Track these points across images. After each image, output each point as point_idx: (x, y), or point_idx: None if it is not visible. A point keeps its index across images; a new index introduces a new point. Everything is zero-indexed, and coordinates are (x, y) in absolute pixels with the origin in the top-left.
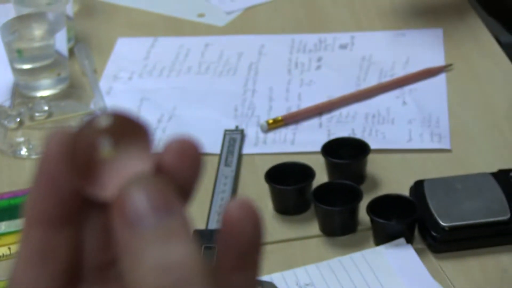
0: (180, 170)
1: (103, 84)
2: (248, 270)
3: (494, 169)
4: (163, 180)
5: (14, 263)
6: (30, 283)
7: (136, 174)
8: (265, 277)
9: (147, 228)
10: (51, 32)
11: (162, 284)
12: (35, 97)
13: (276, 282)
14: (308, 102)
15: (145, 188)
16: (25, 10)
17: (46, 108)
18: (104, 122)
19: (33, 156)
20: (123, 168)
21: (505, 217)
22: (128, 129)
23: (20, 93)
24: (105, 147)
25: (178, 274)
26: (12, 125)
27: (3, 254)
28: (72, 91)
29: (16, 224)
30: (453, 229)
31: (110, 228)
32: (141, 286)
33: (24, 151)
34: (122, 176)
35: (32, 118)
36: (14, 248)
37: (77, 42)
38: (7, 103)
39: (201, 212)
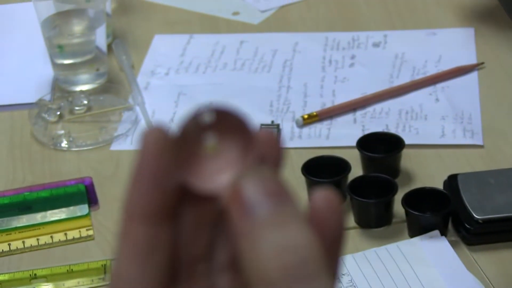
0: (269, 161)
1: (141, 79)
2: (333, 260)
3: None
4: (271, 169)
5: (116, 259)
6: (135, 278)
7: (246, 166)
8: None
9: (264, 214)
10: (91, 28)
11: (284, 263)
12: (74, 91)
13: None
14: (342, 98)
15: (258, 177)
16: (66, 7)
17: (85, 102)
18: (207, 117)
19: (73, 149)
20: (228, 161)
21: None
22: (230, 123)
23: (60, 88)
24: (209, 142)
25: (299, 254)
26: (53, 118)
27: (59, 240)
28: (110, 85)
29: (61, 212)
30: (486, 221)
31: (203, 222)
32: (262, 267)
33: (64, 144)
34: (229, 169)
35: (71, 111)
36: (58, 236)
37: (115, 38)
38: (47, 97)
39: None
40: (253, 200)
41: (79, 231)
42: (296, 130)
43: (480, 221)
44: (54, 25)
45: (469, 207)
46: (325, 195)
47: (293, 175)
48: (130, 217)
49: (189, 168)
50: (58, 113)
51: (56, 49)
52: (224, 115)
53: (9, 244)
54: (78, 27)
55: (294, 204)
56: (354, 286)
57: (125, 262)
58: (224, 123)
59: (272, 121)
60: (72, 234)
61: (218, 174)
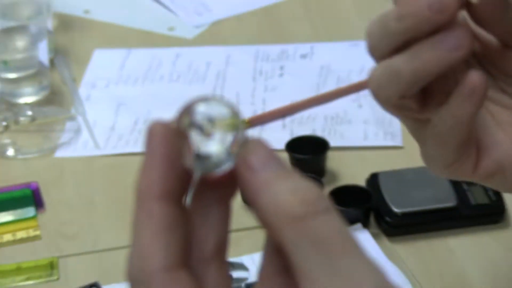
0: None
1: (82, 91)
2: None
3: None
4: (259, 141)
5: (138, 236)
6: (159, 251)
7: (239, 142)
8: (239, 258)
9: (273, 170)
10: (34, 44)
11: (303, 198)
12: (19, 103)
13: (246, 263)
14: (272, 106)
15: (257, 148)
16: (9, 24)
17: (29, 113)
18: (199, 107)
19: (20, 156)
20: (221, 142)
21: (452, 203)
22: (218, 109)
23: (5, 100)
24: (202, 128)
25: (314, 192)
26: None
27: (7, 240)
28: (53, 97)
29: (9, 214)
30: (405, 214)
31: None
32: (285, 205)
33: (10, 152)
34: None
35: (17, 122)
36: (7, 236)
37: (57, 53)
38: None
39: None
40: (261, 163)
41: (27, 231)
42: None
43: (399, 214)
44: None
45: (388, 202)
46: None
47: None
48: (151, 198)
49: (188, 153)
50: (4, 123)
51: (0, 64)
52: (212, 103)
53: None
54: (21, 43)
55: (286, 164)
56: None
57: (150, 237)
58: (213, 110)
59: None
60: (20, 235)
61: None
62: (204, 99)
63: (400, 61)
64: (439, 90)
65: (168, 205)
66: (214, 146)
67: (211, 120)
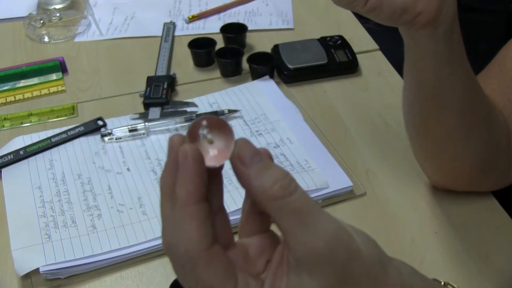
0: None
1: (91, 0)
2: None
3: (318, 36)
4: (247, 140)
5: (184, 229)
6: (203, 237)
7: (234, 144)
8: (192, 99)
9: (257, 163)
10: None
11: (282, 184)
12: (51, 8)
13: (196, 102)
14: (212, 6)
15: (245, 147)
16: None
17: (58, 14)
18: (204, 122)
19: (52, 42)
20: (222, 146)
21: (325, 61)
22: (217, 125)
23: (42, 7)
24: (207, 136)
25: (287, 178)
26: (38, 25)
27: (45, 93)
28: (73, 4)
29: (46, 77)
30: (295, 69)
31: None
32: (269, 190)
33: (45, 39)
34: (223, 150)
35: (50, 20)
36: (44, 90)
37: None
38: (34, 12)
39: (151, 65)
40: (249, 158)
41: (57, 87)
42: (185, 25)
43: (292, 69)
44: None
45: (285, 61)
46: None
47: (184, 50)
48: (191, 203)
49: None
50: (42, 21)
51: None
52: (214, 120)
53: (14, 97)
54: None
55: (265, 154)
56: (218, 105)
57: (195, 231)
58: (214, 125)
59: (171, 21)
60: (53, 89)
61: (220, 155)
62: (206, 118)
63: None
64: None
65: (202, 205)
66: (215, 149)
67: (212, 130)
